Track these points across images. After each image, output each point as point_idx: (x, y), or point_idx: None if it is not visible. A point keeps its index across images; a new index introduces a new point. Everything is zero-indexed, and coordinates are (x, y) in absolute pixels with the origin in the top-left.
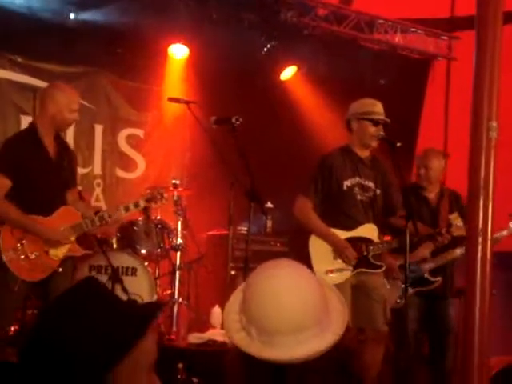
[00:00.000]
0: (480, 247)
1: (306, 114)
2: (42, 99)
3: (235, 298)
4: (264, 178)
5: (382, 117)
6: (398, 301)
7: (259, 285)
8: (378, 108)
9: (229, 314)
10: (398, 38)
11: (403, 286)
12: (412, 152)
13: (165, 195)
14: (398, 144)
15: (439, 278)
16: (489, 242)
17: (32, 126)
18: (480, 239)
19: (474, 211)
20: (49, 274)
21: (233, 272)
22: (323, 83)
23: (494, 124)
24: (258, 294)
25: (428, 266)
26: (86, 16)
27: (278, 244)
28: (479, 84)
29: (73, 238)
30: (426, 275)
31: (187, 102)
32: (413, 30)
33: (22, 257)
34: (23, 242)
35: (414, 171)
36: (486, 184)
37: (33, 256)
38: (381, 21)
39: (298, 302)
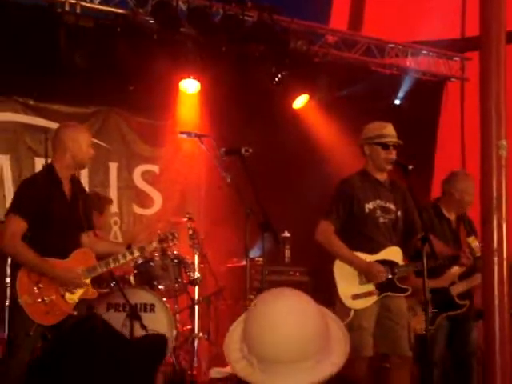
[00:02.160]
0: (496, 267)
1: (321, 141)
2: (59, 140)
3: (236, 328)
4: (281, 208)
5: (393, 139)
6: (430, 327)
7: (259, 314)
8: (387, 130)
9: (230, 343)
10: (409, 62)
11: (434, 310)
12: (430, 173)
13: (176, 235)
14: (410, 167)
15: (467, 302)
16: (505, 262)
17: (49, 167)
18: (496, 259)
19: (488, 232)
20: (64, 317)
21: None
22: (336, 110)
23: (504, 142)
24: (258, 323)
25: (457, 289)
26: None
27: (298, 273)
28: (486, 103)
29: (88, 281)
30: (455, 299)
31: (199, 136)
32: (424, 52)
33: (39, 300)
34: (40, 285)
35: (434, 193)
36: (499, 203)
37: (49, 300)
38: (391, 45)
39: (298, 331)
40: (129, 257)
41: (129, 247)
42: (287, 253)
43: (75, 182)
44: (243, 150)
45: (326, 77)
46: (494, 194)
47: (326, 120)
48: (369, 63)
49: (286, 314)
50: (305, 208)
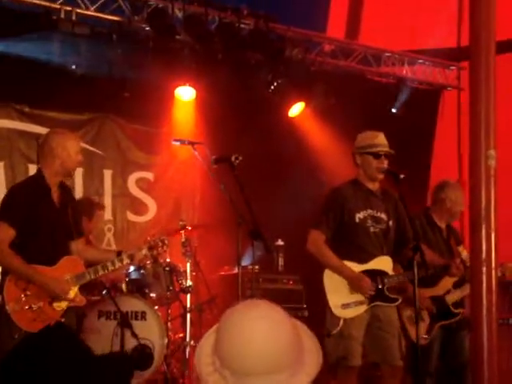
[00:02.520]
0: (484, 277)
1: (316, 149)
2: (48, 147)
3: (207, 340)
4: (275, 216)
5: (384, 148)
6: (425, 336)
7: (232, 326)
8: (378, 140)
9: (201, 356)
10: (405, 70)
11: (429, 320)
12: (426, 183)
13: (166, 242)
14: (402, 176)
15: (461, 310)
16: (493, 272)
17: (38, 173)
18: (484, 269)
19: (476, 241)
20: (51, 324)
21: None
22: (332, 118)
23: (493, 153)
24: (231, 336)
25: (452, 297)
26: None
27: (291, 282)
28: (475, 114)
29: (76, 289)
30: (450, 307)
31: (192, 143)
32: (420, 61)
33: (26, 307)
34: (27, 292)
35: (430, 202)
36: (488, 213)
37: (36, 307)
38: (387, 54)
39: (272, 343)
40: (118, 264)
41: (119, 254)
42: (280, 261)
43: (64, 188)
44: (233, 158)
45: (322, 85)
46: (483, 204)
47: (321, 128)
48: (365, 72)
49: (260, 326)
50: (299, 216)
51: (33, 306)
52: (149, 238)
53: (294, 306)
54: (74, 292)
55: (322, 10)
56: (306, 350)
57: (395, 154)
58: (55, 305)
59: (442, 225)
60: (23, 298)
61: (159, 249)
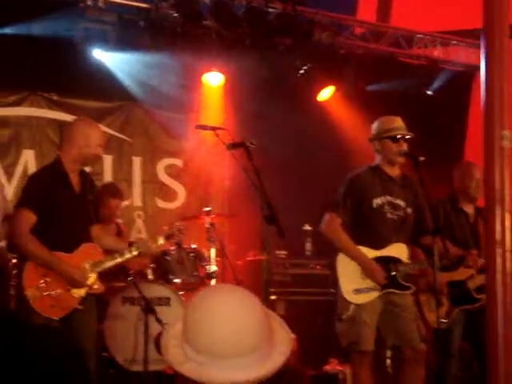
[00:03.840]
0: (499, 259)
1: (347, 133)
2: (69, 133)
3: (171, 332)
4: (303, 201)
5: (403, 131)
6: (444, 321)
7: (207, 311)
8: (397, 124)
9: (167, 348)
10: (437, 52)
11: (450, 304)
12: None
13: (183, 230)
14: (422, 158)
15: (484, 295)
16: (508, 254)
17: (57, 160)
18: (498, 251)
19: (490, 223)
20: (69, 311)
21: (272, 297)
22: (362, 102)
23: (507, 133)
24: (207, 320)
25: (474, 282)
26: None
27: (318, 266)
28: (489, 94)
29: (95, 276)
30: (472, 292)
31: (214, 129)
32: (453, 42)
33: (45, 294)
34: (47, 279)
35: (456, 183)
36: (501, 195)
37: (55, 293)
38: (419, 35)
39: (247, 323)
40: (128, 255)
41: (130, 244)
42: (308, 246)
43: (84, 175)
44: (248, 143)
45: (352, 68)
46: (497, 186)
47: (351, 112)
48: (396, 54)
49: (235, 308)
50: (327, 201)
51: (52, 292)
52: (165, 228)
53: (321, 291)
54: (92, 279)
55: None
56: (276, 331)
57: (418, 139)
58: (74, 291)
59: (469, 209)
60: (43, 284)
61: (176, 237)
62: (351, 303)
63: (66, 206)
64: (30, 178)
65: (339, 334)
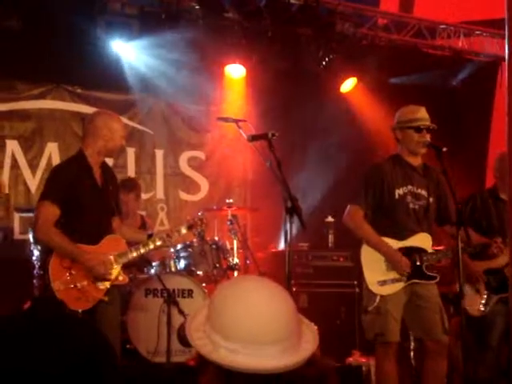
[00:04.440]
0: None
1: (370, 125)
2: (92, 126)
3: (196, 322)
4: (325, 192)
5: (426, 122)
6: (482, 309)
7: (242, 298)
8: (420, 114)
9: (193, 339)
10: (461, 43)
11: (487, 292)
12: (485, 156)
13: (205, 220)
14: (444, 149)
15: None
16: None
17: (80, 153)
18: None
19: None
20: (95, 303)
21: (294, 289)
22: (385, 93)
23: None
24: (243, 307)
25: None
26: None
27: (341, 258)
28: None
29: (119, 267)
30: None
31: (236, 121)
32: (477, 32)
33: (71, 286)
34: (72, 271)
35: (492, 174)
36: None
37: (80, 286)
38: (443, 26)
39: (284, 310)
40: (152, 245)
41: (150, 236)
42: (331, 238)
43: (106, 167)
44: (270, 135)
45: (374, 59)
46: None
47: (374, 104)
48: (419, 45)
49: (269, 295)
50: (349, 193)
51: (77, 284)
52: (188, 218)
53: (344, 283)
54: (117, 270)
55: None
56: (302, 319)
57: (443, 128)
58: (99, 283)
59: (506, 197)
60: (68, 277)
61: (198, 227)
62: (377, 295)
63: (89, 199)
64: (52, 170)
65: (365, 325)
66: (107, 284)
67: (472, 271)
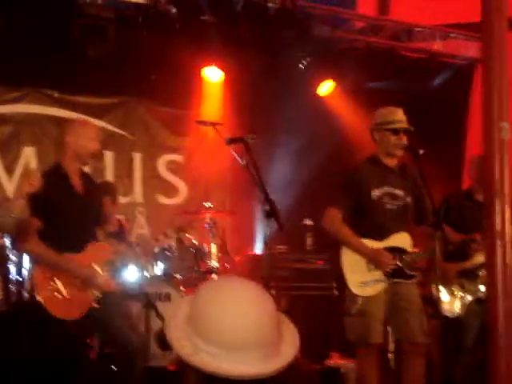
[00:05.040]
0: (499, 250)
1: (346, 128)
2: (62, 135)
3: (178, 323)
4: (303, 195)
5: (403, 125)
6: (457, 310)
7: (222, 302)
8: (398, 116)
9: (172, 340)
10: (437, 45)
11: (462, 294)
12: (461, 158)
13: (194, 224)
14: (421, 152)
15: None
16: (508, 245)
17: (56, 163)
18: (498, 242)
19: (490, 215)
20: (85, 311)
21: (273, 292)
22: (362, 96)
23: (506, 125)
24: (223, 311)
25: (484, 272)
26: None
27: (319, 261)
28: (488, 87)
29: (106, 274)
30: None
31: (213, 124)
32: (452, 35)
33: (56, 295)
34: (55, 280)
35: (467, 176)
36: (501, 187)
37: (67, 293)
38: (419, 29)
39: (266, 315)
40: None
41: (130, 245)
42: (309, 240)
43: (85, 176)
44: (247, 138)
45: (351, 62)
46: (497, 177)
47: (351, 106)
48: (396, 48)
49: (251, 299)
50: (327, 195)
51: (63, 293)
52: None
53: (323, 286)
54: (103, 278)
55: None
56: (282, 322)
57: (419, 131)
58: (88, 290)
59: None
60: (52, 286)
61: (187, 231)
62: (359, 296)
63: (68, 208)
64: None
65: (347, 328)
66: (95, 291)
67: (446, 273)
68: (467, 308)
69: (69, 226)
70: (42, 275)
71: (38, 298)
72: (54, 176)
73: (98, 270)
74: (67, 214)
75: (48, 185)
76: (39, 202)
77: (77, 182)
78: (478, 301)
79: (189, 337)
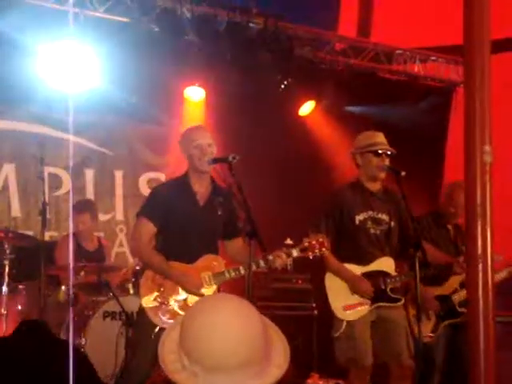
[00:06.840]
0: (480, 274)
1: (327, 148)
2: (180, 145)
3: (168, 337)
4: (284, 215)
5: (384, 147)
6: (431, 335)
7: (203, 323)
8: (379, 139)
9: (163, 354)
10: (417, 68)
11: (436, 319)
12: (439, 181)
13: (326, 244)
14: (403, 173)
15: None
16: (489, 269)
17: (185, 172)
18: (480, 266)
19: (472, 238)
20: None
21: None
22: (342, 117)
23: (488, 148)
24: (201, 331)
25: (458, 297)
26: None
27: (300, 281)
28: (470, 109)
29: (215, 287)
30: (456, 307)
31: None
32: (433, 58)
33: (161, 304)
34: (162, 289)
35: (442, 200)
36: (483, 210)
37: (171, 304)
38: (399, 51)
39: (245, 337)
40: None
41: (264, 256)
42: (290, 260)
43: (215, 186)
44: (230, 158)
45: (332, 83)
46: (478, 201)
47: (332, 127)
48: (376, 70)
49: (233, 321)
50: (309, 215)
51: (168, 302)
52: (305, 239)
53: (303, 305)
54: (211, 290)
55: (333, 10)
56: (273, 342)
57: (399, 153)
58: (190, 301)
59: (449, 225)
60: (159, 294)
61: (316, 251)
62: (343, 320)
63: (186, 218)
64: (153, 188)
65: (336, 351)
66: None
67: (424, 297)
68: (438, 332)
69: (183, 235)
70: (151, 281)
71: (142, 302)
72: (177, 184)
73: (206, 280)
74: (182, 223)
75: (168, 191)
76: (155, 207)
77: (200, 191)
78: (448, 325)
79: (179, 353)
